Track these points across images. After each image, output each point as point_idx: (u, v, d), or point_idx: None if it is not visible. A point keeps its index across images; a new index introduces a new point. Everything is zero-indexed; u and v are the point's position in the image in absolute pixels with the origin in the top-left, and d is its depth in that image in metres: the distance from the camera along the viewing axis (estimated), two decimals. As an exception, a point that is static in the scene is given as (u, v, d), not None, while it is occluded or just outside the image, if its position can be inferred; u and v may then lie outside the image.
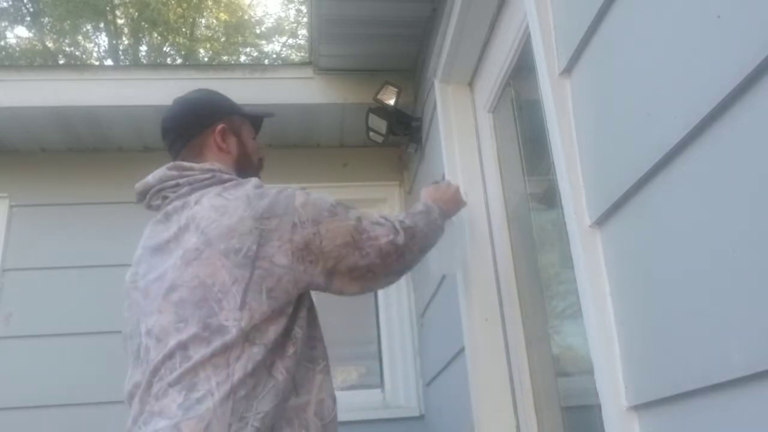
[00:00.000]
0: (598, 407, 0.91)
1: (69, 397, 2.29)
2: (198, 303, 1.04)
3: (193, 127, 1.29)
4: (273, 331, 1.04)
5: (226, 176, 1.21)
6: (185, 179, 1.19)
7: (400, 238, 1.20)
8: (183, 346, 1.02)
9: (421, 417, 2.42)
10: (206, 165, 1.22)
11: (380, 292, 2.65)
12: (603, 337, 0.90)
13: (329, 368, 1.15)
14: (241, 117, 1.35)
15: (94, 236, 2.52)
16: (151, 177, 1.24)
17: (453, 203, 1.51)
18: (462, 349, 1.72)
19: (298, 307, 1.11)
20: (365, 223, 1.18)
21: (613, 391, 0.88)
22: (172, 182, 1.20)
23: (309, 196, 1.15)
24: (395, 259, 1.20)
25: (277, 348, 1.05)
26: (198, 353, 1.00)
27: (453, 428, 1.97)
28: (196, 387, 0.98)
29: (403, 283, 2.61)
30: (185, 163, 1.23)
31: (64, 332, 2.38)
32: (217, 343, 1.00)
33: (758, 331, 0.62)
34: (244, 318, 1.02)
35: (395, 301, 2.61)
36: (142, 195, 1.27)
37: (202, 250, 1.07)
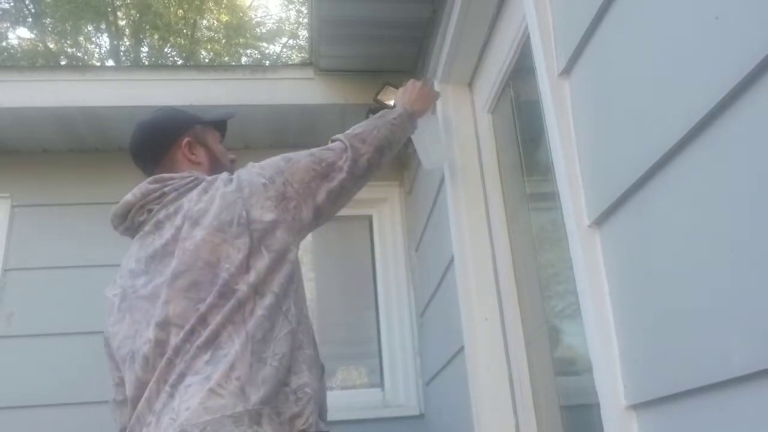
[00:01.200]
0: (597, 406, 0.92)
1: (70, 396, 2.29)
2: (212, 281, 1.10)
3: (158, 147, 1.34)
4: (278, 278, 1.12)
5: (206, 177, 1.26)
6: (169, 187, 1.23)
7: (351, 151, 1.31)
8: (202, 319, 1.07)
9: (421, 416, 2.42)
10: (185, 173, 1.27)
11: (380, 292, 2.65)
12: (602, 336, 0.90)
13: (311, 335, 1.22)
14: (203, 125, 1.40)
15: (95, 236, 2.52)
16: (131, 195, 1.26)
17: (420, 100, 1.59)
18: (462, 349, 1.72)
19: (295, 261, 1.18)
20: (318, 153, 1.29)
21: (612, 391, 0.88)
22: (157, 193, 1.23)
23: (261, 162, 1.26)
24: (357, 166, 1.31)
25: (288, 293, 1.13)
26: (215, 318, 1.07)
27: (453, 427, 1.98)
28: (221, 345, 1.05)
29: (403, 282, 2.62)
30: (164, 174, 1.27)
31: (65, 332, 2.38)
32: (231, 302, 1.08)
33: (757, 330, 0.62)
34: (251, 276, 1.10)
35: (395, 300, 2.61)
36: (122, 217, 1.27)
37: (198, 235, 1.13)
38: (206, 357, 1.04)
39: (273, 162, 1.25)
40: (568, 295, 1.33)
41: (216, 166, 1.36)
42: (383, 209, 2.73)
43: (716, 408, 0.69)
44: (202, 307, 1.08)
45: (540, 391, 1.52)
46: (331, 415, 2.52)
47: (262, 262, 1.11)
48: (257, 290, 1.09)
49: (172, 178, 1.25)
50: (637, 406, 0.86)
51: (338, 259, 2.77)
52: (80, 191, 2.59)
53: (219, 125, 1.45)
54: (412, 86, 1.63)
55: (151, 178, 1.26)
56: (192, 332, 1.07)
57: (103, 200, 2.58)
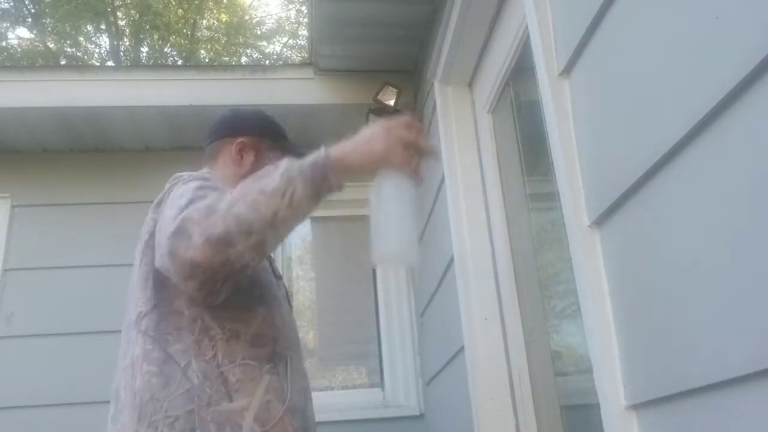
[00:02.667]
0: (597, 406, 0.92)
1: (70, 396, 2.29)
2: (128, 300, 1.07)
3: (219, 131, 1.31)
4: (172, 325, 0.98)
5: (194, 174, 1.19)
6: (168, 185, 1.19)
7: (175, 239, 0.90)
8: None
9: (421, 416, 2.42)
10: (198, 173, 1.22)
11: (380, 292, 2.65)
12: (602, 336, 0.90)
13: (286, 368, 1.06)
14: (272, 142, 1.32)
15: (95, 236, 2.52)
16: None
17: (378, 146, 1.01)
18: (462, 349, 1.72)
19: (225, 306, 0.99)
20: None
21: (612, 390, 0.88)
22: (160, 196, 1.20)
23: (184, 186, 1.04)
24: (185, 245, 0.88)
25: (193, 348, 0.97)
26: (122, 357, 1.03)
27: (453, 427, 1.98)
28: (119, 397, 0.99)
29: (403, 282, 2.62)
30: (179, 174, 1.23)
31: (65, 332, 2.38)
32: (126, 336, 1.03)
33: (757, 330, 0.62)
34: (140, 306, 1.02)
35: (395, 300, 2.62)
36: None
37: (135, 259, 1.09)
38: (111, 410, 0.98)
39: (176, 193, 1.03)
40: (568, 295, 1.33)
41: None
42: (383, 209, 2.73)
43: (716, 408, 0.69)
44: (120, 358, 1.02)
45: (540, 391, 1.52)
46: (332, 416, 2.54)
47: (143, 292, 1.01)
48: (140, 327, 0.99)
49: (177, 179, 1.19)
50: (637, 406, 0.86)
51: (338, 259, 2.77)
52: (80, 191, 2.59)
53: (289, 155, 1.32)
54: (387, 124, 1.04)
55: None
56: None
57: (103, 200, 2.59)
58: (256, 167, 1.25)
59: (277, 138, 1.34)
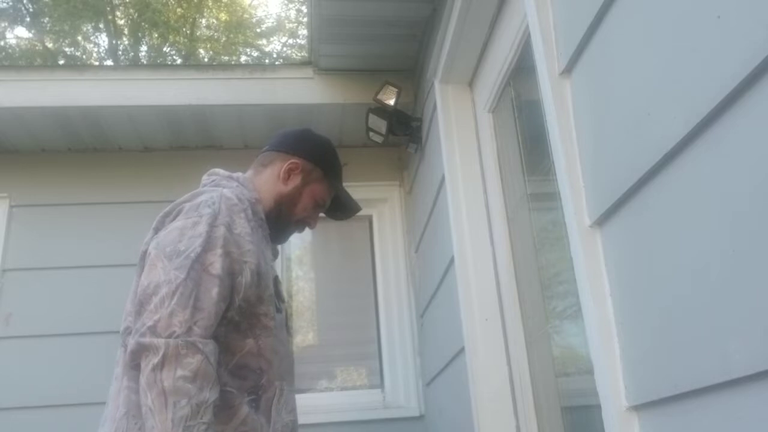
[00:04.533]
0: (598, 407, 0.91)
1: (69, 397, 2.29)
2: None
3: (279, 144, 1.30)
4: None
5: (224, 182, 1.19)
6: (201, 184, 1.22)
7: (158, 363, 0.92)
8: None
9: (421, 417, 2.42)
10: (241, 175, 1.23)
11: (380, 292, 2.64)
12: (603, 337, 0.90)
13: (272, 401, 1.05)
14: (324, 177, 1.28)
15: (94, 236, 2.51)
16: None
17: None
18: (462, 349, 1.72)
19: (213, 335, 1.00)
20: (160, 298, 0.97)
21: (613, 391, 0.88)
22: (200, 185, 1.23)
23: (186, 226, 1.04)
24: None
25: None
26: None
27: (453, 428, 1.97)
28: (108, 405, 1.05)
29: (403, 283, 2.62)
30: (218, 170, 1.25)
31: (64, 332, 2.38)
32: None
33: (758, 331, 0.62)
34: (128, 320, 1.05)
35: (395, 301, 2.61)
36: None
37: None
38: None
39: (169, 238, 1.04)
40: (569, 295, 1.33)
41: (285, 205, 1.23)
42: (383, 209, 2.72)
43: (718, 409, 0.69)
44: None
45: (541, 392, 1.52)
46: (332, 416, 2.53)
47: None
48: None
49: (216, 174, 1.22)
50: (638, 407, 0.85)
51: (338, 259, 2.77)
52: (79, 191, 2.58)
53: (337, 202, 1.32)
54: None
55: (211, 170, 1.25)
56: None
57: (102, 200, 2.58)
58: (298, 192, 1.25)
59: (330, 173, 1.30)
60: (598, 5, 0.90)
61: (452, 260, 1.79)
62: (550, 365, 1.48)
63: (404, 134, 2.32)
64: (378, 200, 2.70)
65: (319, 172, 1.27)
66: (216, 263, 1.01)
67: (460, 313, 1.71)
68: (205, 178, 1.24)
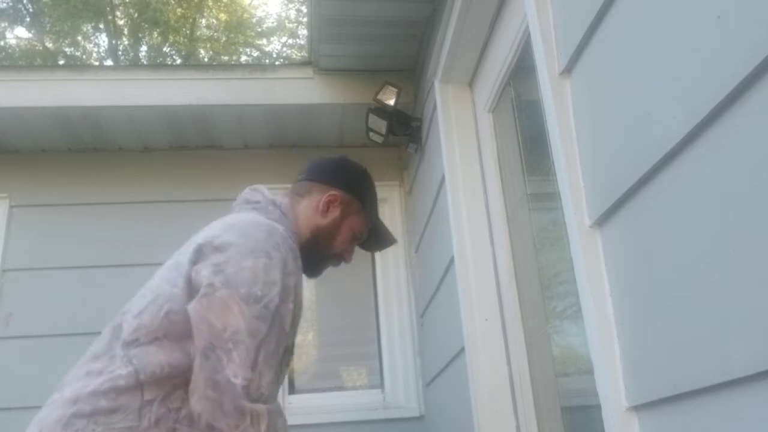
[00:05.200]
0: (598, 407, 0.91)
1: (69, 397, 2.29)
2: None
3: (317, 174, 1.26)
4: (160, 364, 0.96)
5: (270, 208, 1.15)
6: (241, 198, 1.19)
7: (247, 405, 0.89)
8: None
9: (421, 417, 2.42)
10: (283, 202, 1.19)
11: (380, 292, 2.64)
12: (603, 337, 0.90)
13: None
14: (364, 212, 1.26)
15: (94, 237, 2.51)
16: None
17: None
18: (462, 349, 1.71)
19: None
20: (247, 343, 0.92)
21: (613, 392, 0.87)
22: (241, 199, 1.20)
23: (258, 267, 0.98)
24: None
25: (165, 390, 0.95)
26: None
27: (453, 428, 1.97)
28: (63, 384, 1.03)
29: (403, 282, 2.62)
30: (262, 188, 1.21)
31: (63, 332, 2.37)
32: None
33: (758, 331, 0.62)
34: (139, 332, 1.00)
35: (395, 301, 2.61)
36: None
37: None
38: None
39: (247, 278, 0.97)
40: (569, 295, 1.33)
41: (323, 238, 1.21)
42: (383, 209, 2.72)
43: (718, 409, 0.69)
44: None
45: (541, 392, 1.52)
46: (331, 417, 2.53)
47: (149, 337, 0.99)
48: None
49: (260, 192, 1.18)
50: (638, 408, 0.85)
51: (338, 259, 2.77)
52: (79, 191, 2.58)
53: (374, 234, 1.30)
54: None
55: (254, 186, 1.22)
56: None
57: (102, 200, 2.59)
58: (336, 225, 1.21)
59: (368, 205, 1.27)
60: (598, 5, 0.90)
61: (452, 260, 1.79)
62: (550, 365, 1.48)
63: (404, 134, 2.32)
64: (378, 200, 2.70)
65: (357, 205, 1.25)
66: (287, 318, 0.98)
67: (460, 313, 1.71)
68: (247, 194, 1.19)
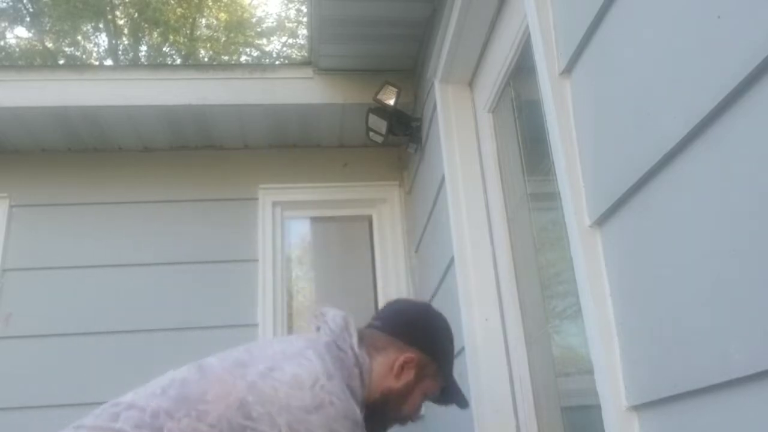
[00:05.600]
0: (598, 407, 0.91)
1: (68, 397, 2.29)
2: None
3: (398, 329, 1.19)
4: None
5: (354, 371, 1.08)
6: (329, 325, 1.15)
7: None
8: None
9: (421, 417, 2.41)
10: (368, 365, 1.11)
11: (380, 292, 2.64)
12: (603, 337, 0.90)
13: None
14: (437, 374, 1.20)
15: (94, 237, 2.51)
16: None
17: None
18: (462, 350, 1.71)
19: None
20: None
21: (613, 391, 0.88)
22: (328, 329, 1.15)
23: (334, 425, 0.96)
24: None
25: None
26: None
27: (453, 428, 1.97)
28: None
29: (403, 282, 2.61)
30: (351, 327, 1.15)
31: (63, 332, 2.37)
32: None
33: (758, 331, 0.62)
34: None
35: (395, 301, 2.61)
36: None
37: None
38: None
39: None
40: (569, 295, 1.33)
41: (393, 400, 1.15)
42: (383, 209, 2.72)
43: (718, 409, 0.69)
44: None
45: (541, 392, 1.52)
46: (331, 416, 2.50)
47: None
48: None
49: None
50: (638, 407, 0.85)
51: (338, 259, 2.77)
52: (78, 191, 2.58)
53: (444, 396, 1.25)
54: None
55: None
56: None
57: (102, 200, 2.59)
58: (409, 390, 1.16)
59: (445, 366, 1.22)
60: (598, 5, 0.90)
61: (452, 260, 1.79)
62: (550, 365, 1.48)
63: (404, 134, 2.32)
64: (378, 200, 2.70)
65: (434, 367, 1.19)
66: None
67: (460, 313, 1.71)
68: (336, 330, 1.12)
